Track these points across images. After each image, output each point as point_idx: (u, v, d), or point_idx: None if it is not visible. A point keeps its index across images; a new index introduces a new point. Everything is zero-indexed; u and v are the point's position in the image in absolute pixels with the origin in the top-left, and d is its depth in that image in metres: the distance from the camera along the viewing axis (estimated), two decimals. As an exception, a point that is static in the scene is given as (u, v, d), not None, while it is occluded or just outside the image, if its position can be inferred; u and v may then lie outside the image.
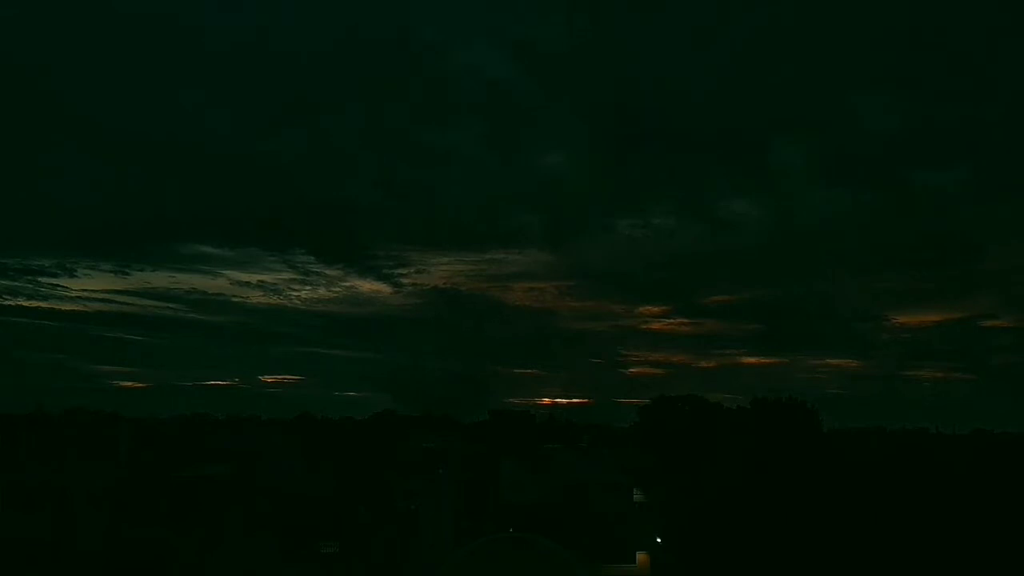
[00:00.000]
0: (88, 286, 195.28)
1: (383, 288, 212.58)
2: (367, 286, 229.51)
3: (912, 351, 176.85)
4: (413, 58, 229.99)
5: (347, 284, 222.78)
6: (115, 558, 52.12)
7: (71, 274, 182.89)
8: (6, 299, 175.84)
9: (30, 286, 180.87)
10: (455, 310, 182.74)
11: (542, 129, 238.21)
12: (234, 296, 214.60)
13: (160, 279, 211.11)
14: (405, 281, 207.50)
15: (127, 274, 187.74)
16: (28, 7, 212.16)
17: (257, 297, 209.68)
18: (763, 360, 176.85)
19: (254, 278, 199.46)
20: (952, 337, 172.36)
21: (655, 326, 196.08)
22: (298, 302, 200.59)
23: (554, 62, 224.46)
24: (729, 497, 56.36)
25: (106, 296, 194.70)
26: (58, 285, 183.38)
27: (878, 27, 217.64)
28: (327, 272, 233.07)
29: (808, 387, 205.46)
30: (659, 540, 57.15)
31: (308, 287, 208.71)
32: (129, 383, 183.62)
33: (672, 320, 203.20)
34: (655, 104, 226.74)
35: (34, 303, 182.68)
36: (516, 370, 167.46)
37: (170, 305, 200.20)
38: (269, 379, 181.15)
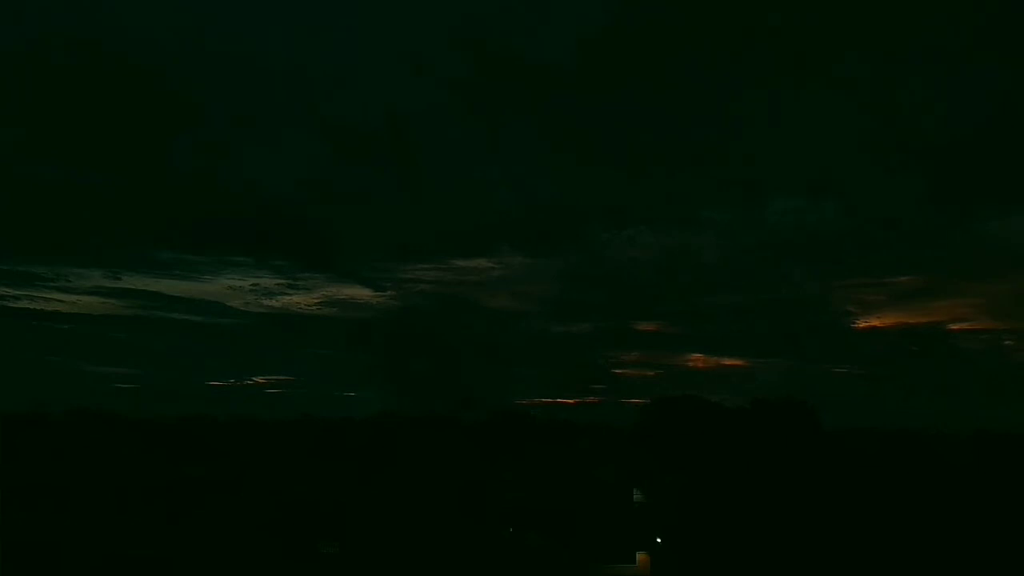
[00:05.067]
0: (85, 289, 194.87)
1: (377, 293, 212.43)
2: (360, 292, 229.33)
3: (895, 352, 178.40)
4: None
5: (340, 288, 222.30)
6: (116, 558, 52.15)
7: (67, 278, 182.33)
8: (7, 301, 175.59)
9: (30, 289, 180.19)
10: (450, 314, 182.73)
11: (529, 135, 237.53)
12: (230, 300, 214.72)
13: (155, 283, 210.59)
14: (394, 286, 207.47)
15: (119, 278, 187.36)
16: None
17: (252, 300, 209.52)
18: (750, 362, 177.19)
19: (247, 282, 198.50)
20: (924, 339, 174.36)
21: (645, 327, 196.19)
22: (293, 305, 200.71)
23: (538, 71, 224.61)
24: (729, 497, 56.40)
25: (105, 299, 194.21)
26: (57, 288, 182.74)
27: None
28: (319, 277, 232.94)
29: (798, 388, 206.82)
30: (659, 540, 57.16)
31: (303, 291, 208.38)
32: (129, 384, 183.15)
33: (661, 322, 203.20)
34: (638, 113, 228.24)
35: (35, 305, 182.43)
36: (515, 370, 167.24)
37: (164, 307, 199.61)
38: (269, 380, 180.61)
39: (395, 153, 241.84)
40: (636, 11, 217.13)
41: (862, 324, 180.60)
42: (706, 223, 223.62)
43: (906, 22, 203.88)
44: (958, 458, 70.89)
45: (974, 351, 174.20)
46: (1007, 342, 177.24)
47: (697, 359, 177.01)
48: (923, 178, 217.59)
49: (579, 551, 56.83)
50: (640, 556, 57.40)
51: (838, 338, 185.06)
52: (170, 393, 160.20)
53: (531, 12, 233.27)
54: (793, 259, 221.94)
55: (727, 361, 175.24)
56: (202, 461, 70.52)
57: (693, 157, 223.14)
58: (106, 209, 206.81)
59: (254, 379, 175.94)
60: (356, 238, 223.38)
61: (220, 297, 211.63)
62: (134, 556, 52.38)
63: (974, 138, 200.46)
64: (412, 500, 61.18)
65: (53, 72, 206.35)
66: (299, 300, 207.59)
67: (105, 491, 60.33)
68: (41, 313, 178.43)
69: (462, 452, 75.98)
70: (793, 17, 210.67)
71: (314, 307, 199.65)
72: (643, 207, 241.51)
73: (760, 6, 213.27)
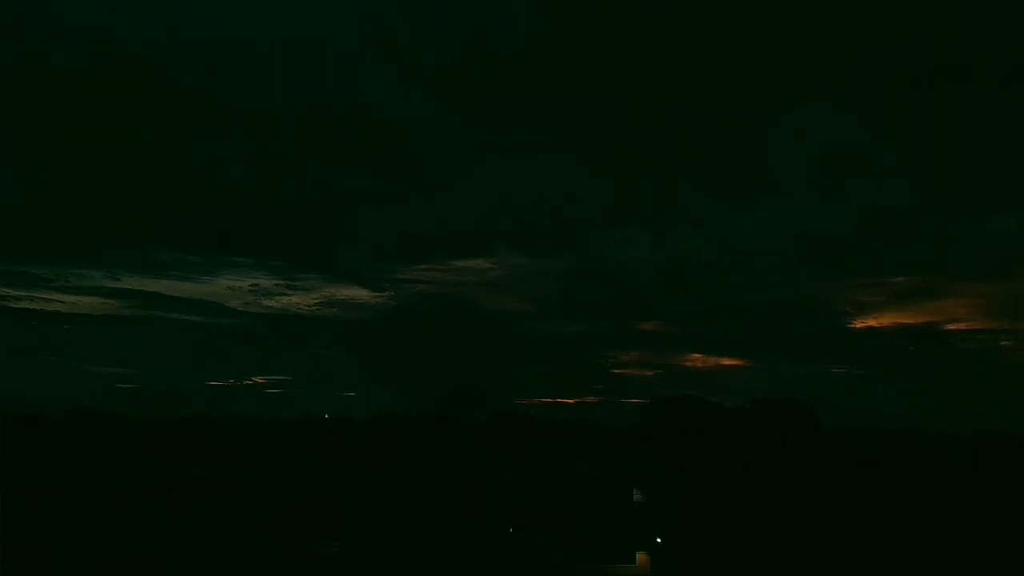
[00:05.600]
0: (85, 289, 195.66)
1: (376, 293, 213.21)
2: (359, 292, 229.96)
3: (893, 352, 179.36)
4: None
5: (338, 289, 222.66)
6: (116, 558, 52.18)
7: (67, 278, 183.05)
8: (7, 301, 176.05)
9: (30, 289, 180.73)
10: (449, 315, 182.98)
11: (528, 134, 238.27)
12: (229, 300, 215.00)
13: (154, 284, 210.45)
14: (392, 286, 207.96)
15: (118, 278, 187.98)
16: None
17: (252, 300, 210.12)
18: (750, 362, 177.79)
19: (246, 283, 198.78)
20: (922, 339, 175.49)
21: (645, 327, 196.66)
22: (292, 305, 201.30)
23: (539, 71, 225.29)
24: (729, 497, 56.44)
25: (105, 299, 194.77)
26: (57, 288, 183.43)
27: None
28: (317, 277, 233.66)
29: (798, 388, 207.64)
30: (659, 540, 57.19)
31: (302, 292, 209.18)
32: (129, 384, 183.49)
33: (661, 322, 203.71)
34: (638, 113, 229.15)
35: (35, 305, 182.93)
36: (515, 370, 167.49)
37: (164, 307, 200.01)
38: (269, 380, 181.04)
39: (394, 153, 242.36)
40: (636, 10, 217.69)
41: (859, 324, 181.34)
42: (706, 223, 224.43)
43: (905, 23, 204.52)
44: (958, 458, 70.97)
45: (972, 351, 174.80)
46: (1004, 342, 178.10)
47: (697, 359, 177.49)
48: (921, 178, 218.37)
49: (579, 551, 56.85)
50: (640, 556, 57.42)
51: (837, 338, 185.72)
52: (170, 393, 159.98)
53: (530, 13, 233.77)
54: (792, 259, 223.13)
55: (727, 361, 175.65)
56: (202, 461, 70.46)
57: (692, 157, 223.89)
58: (106, 209, 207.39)
59: (254, 379, 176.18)
60: (354, 238, 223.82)
61: (219, 297, 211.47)
62: (134, 556, 52.40)
63: (972, 138, 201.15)
64: (412, 500, 61.22)
65: (51, 72, 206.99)
66: (298, 300, 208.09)
67: (105, 491, 60.32)
68: (41, 313, 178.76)
69: (462, 452, 75.97)
70: (793, 17, 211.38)
71: (313, 307, 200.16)
72: (642, 207, 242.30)
73: (759, 8, 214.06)
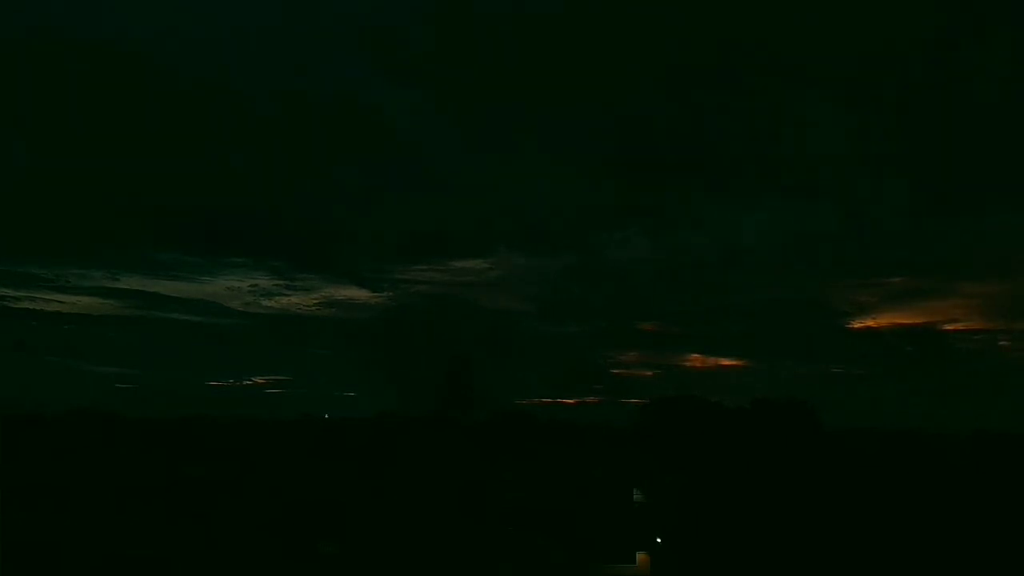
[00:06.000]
0: (85, 289, 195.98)
1: (375, 294, 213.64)
2: (358, 292, 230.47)
3: (891, 353, 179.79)
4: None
5: (338, 289, 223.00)
6: (116, 558, 52.18)
7: (67, 279, 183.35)
8: (7, 302, 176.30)
9: (30, 289, 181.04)
10: (448, 315, 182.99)
11: (526, 140, 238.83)
12: (228, 300, 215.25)
13: (153, 284, 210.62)
14: (391, 287, 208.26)
15: (118, 279, 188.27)
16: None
17: (251, 300, 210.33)
18: (750, 362, 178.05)
19: (246, 283, 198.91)
20: (919, 339, 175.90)
21: (644, 327, 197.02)
22: (292, 306, 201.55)
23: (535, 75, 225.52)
24: (729, 497, 56.47)
25: (105, 299, 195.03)
26: (57, 288, 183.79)
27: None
28: (317, 278, 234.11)
29: (798, 388, 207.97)
30: (659, 540, 57.20)
31: (301, 292, 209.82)
32: (129, 384, 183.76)
33: (660, 322, 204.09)
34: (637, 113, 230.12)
35: (35, 306, 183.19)
36: (515, 371, 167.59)
37: (163, 307, 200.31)
38: (268, 380, 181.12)
39: (393, 153, 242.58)
40: (636, 10, 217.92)
41: (858, 324, 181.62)
42: (706, 223, 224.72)
43: (905, 23, 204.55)
44: (957, 458, 71.06)
45: (969, 351, 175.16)
46: (1002, 343, 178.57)
47: (696, 359, 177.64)
48: (920, 178, 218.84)
49: (579, 551, 56.86)
50: (640, 556, 57.41)
51: (837, 338, 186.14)
52: (170, 393, 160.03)
53: (530, 13, 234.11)
54: (792, 259, 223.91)
55: (727, 361, 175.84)
56: (202, 461, 70.52)
57: (692, 157, 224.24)
58: (106, 209, 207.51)
59: (254, 379, 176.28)
60: (354, 239, 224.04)
61: (219, 298, 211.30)
62: (134, 556, 52.40)
63: (972, 138, 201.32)
64: (412, 500, 61.23)
65: (50, 71, 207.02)
66: (297, 301, 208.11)
67: (105, 491, 60.36)
68: (41, 313, 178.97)
69: (462, 452, 76.01)
70: (793, 17, 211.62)
71: (313, 308, 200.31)
72: (642, 207, 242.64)
73: (759, 8, 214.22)
